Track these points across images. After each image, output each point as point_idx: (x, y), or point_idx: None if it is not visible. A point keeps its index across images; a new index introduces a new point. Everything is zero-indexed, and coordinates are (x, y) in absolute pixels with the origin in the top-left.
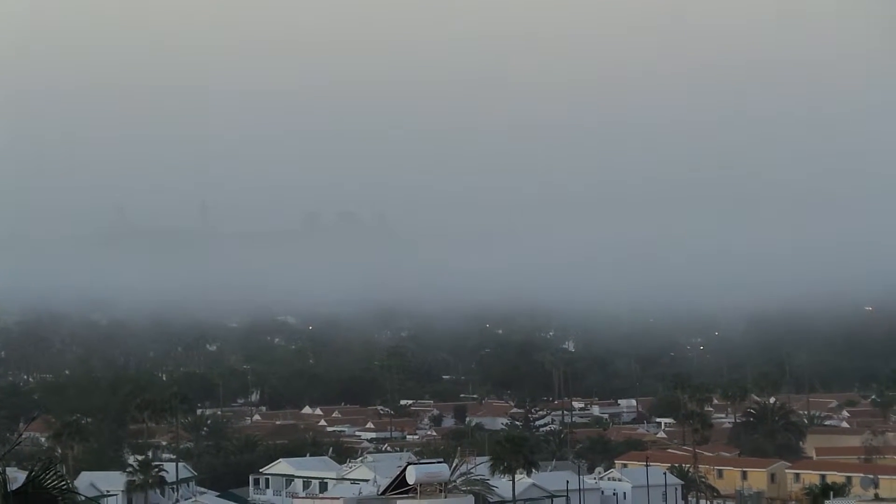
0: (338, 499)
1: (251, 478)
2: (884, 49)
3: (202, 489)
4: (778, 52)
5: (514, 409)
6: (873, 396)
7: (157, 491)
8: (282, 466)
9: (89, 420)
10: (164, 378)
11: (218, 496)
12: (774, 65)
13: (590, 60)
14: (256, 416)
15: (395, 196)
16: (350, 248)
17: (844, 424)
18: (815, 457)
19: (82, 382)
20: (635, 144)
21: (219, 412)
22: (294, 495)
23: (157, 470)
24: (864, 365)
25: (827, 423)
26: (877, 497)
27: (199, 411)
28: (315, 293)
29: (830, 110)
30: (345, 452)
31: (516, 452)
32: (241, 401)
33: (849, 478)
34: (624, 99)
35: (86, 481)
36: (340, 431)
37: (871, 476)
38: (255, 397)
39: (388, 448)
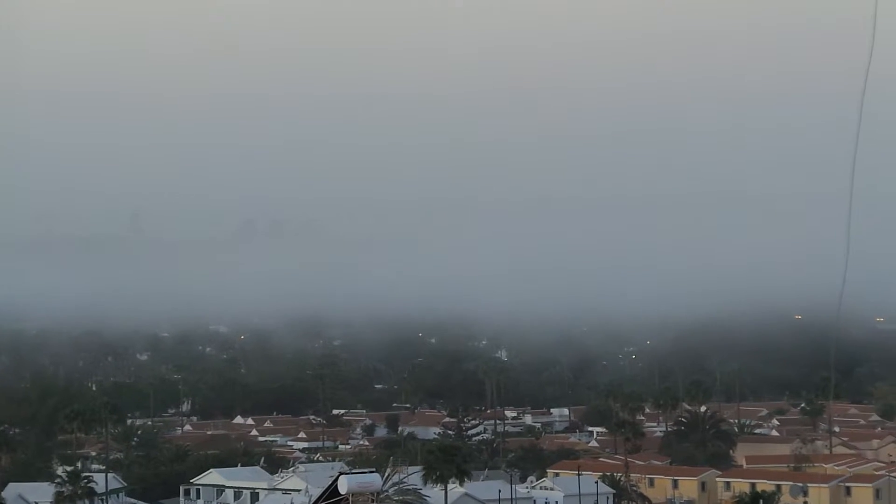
0: None
1: (182, 488)
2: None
3: (132, 500)
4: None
5: (447, 419)
6: (802, 405)
7: (87, 502)
8: (213, 477)
9: (17, 430)
10: (94, 388)
11: None
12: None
13: (502, 70)
14: (187, 427)
15: (329, 204)
16: (283, 257)
17: (774, 433)
18: (745, 465)
19: (9, 392)
20: (571, 153)
21: (149, 422)
22: None
23: (86, 481)
24: (794, 374)
25: (757, 431)
26: None
27: (129, 421)
28: (247, 302)
29: (757, 120)
30: (276, 462)
31: (448, 462)
32: (171, 411)
33: (778, 486)
34: (562, 106)
35: (13, 493)
36: (272, 441)
37: (801, 484)
38: (186, 407)
39: (320, 458)
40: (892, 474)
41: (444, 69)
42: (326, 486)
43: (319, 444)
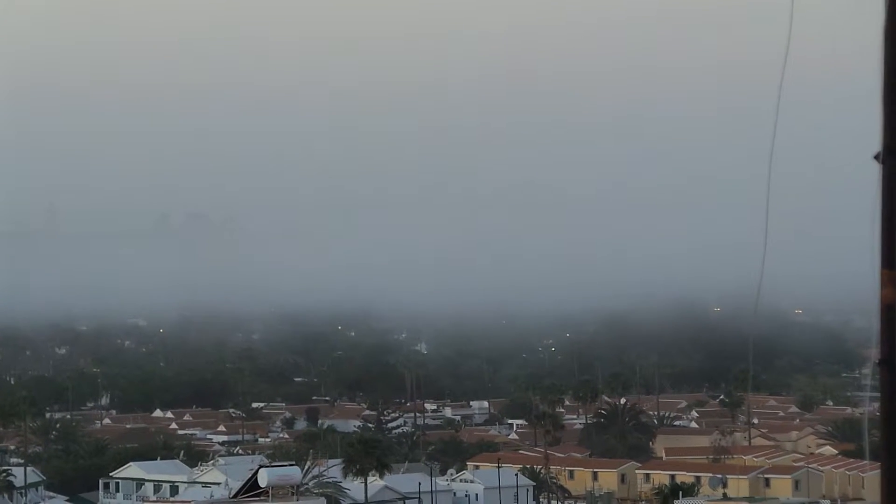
0: (189, 502)
1: (101, 482)
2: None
3: (51, 494)
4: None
5: (367, 412)
6: (721, 397)
7: (5, 496)
8: (132, 470)
9: None
10: (12, 382)
11: (67, 500)
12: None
13: (413, 67)
14: (106, 420)
15: (246, 198)
16: (200, 250)
17: (693, 425)
18: (664, 457)
19: None
20: (486, 146)
21: (68, 416)
22: (145, 499)
23: (4, 474)
24: (713, 366)
25: (676, 423)
26: (725, 496)
27: (47, 415)
28: (166, 296)
29: (680, 114)
30: (196, 455)
31: (368, 455)
32: (90, 404)
33: (698, 478)
34: (469, 99)
35: None
36: (192, 434)
37: (720, 476)
38: (105, 401)
39: (240, 451)
40: (810, 466)
41: (351, 60)
42: (246, 479)
43: (239, 437)
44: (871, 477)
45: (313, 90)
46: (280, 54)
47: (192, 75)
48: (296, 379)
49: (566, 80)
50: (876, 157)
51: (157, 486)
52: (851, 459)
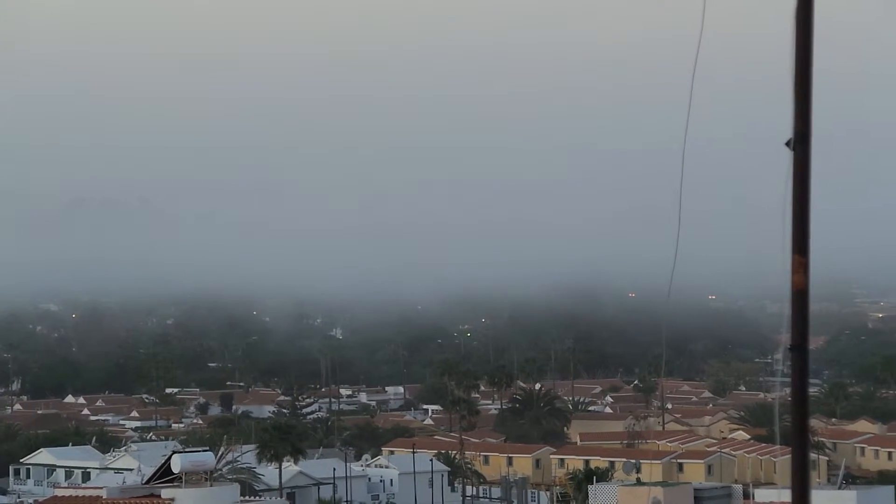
0: (101, 488)
1: (11, 468)
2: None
3: None
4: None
5: (282, 397)
6: (636, 382)
7: None
8: (43, 456)
9: None
10: None
11: None
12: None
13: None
14: (17, 406)
15: (161, 182)
16: (113, 235)
17: (608, 410)
18: (579, 442)
19: None
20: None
21: None
22: (56, 485)
23: None
24: (627, 351)
25: (591, 408)
26: (638, 481)
27: None
28: (78, 281)
29: (595, 95)
30: (109, 441)
31: (283, 440)
32: (1, 390)
33: (612, 462)
34: (362, 75)
35: None
36: (104, 420)
37: (633, 461)
38: (16, 386)
39: (153, 437)
40: (723, 450)
41: (261, 34)
42: (159, 465)
43: (152, 423)
44: (782, 461)
45: (226, 71)
46: (190, 28)
47: (101, 67)
48: (210, 364)
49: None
50: (787, 144)
51: (69, 473)
52: (763, 444)
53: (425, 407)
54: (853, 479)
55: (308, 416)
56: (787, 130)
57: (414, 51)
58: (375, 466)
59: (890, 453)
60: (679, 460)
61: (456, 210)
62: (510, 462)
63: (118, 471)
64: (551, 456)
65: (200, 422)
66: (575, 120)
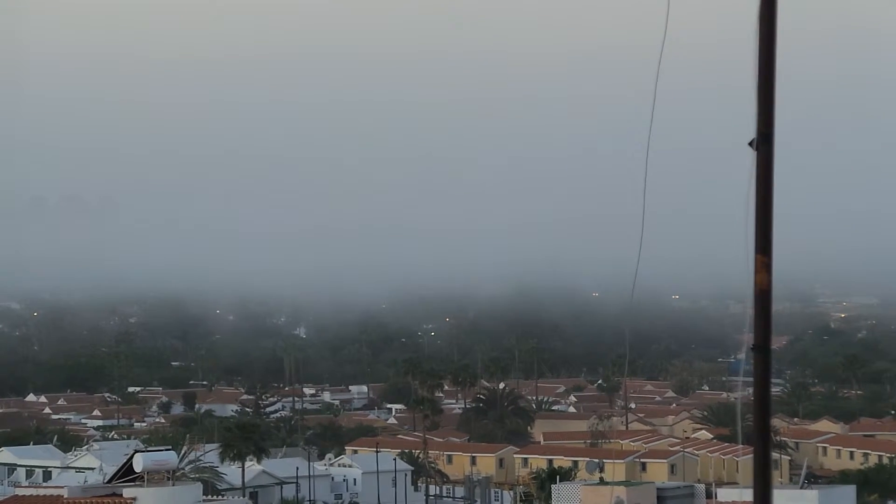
0: (62, 488)
1: None
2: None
3: None
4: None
5: (245, 396)
6: (599, 381)
7: None
8: (4, 455)
9: None
10: None
11: None
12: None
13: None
14: None
15: (122, 180)
16: (76, 233)
17: (571, 409)
18: (542, 442)
19: None
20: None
21: None
22: (17, 485)
23: None
24: (591, 350)
25: (554, 408)
26: (602, 481)
27: None
28: (40, 279)
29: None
30: (70, 440)
31: (246, 439)
32: None
33: (575, 462)
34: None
35: None
36: (66, 419)
37: (597, 460)
38: None
39: (115, 436)
40: (686, 450)
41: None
42: (121, 464)
43: (114, 421)
44: (744, 461)
45: (193, 70)
46: (160, 28)
47: (66, 64)
48: (173, 363)
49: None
50: (750, 144)
51: (30, 472)
52: (726, 443)
53: (389, 406)
54: (815, 478)
55: (271, 415)
56: (751, 131)
57: (369, 50)
58: (339, 466)
59: (852, 453)
60: (642, 460)
61: (422, 211)
62: (473, 461)
63: (80, 470)
64: (515, 455)
65: (163, 421)
66: (541, 120)
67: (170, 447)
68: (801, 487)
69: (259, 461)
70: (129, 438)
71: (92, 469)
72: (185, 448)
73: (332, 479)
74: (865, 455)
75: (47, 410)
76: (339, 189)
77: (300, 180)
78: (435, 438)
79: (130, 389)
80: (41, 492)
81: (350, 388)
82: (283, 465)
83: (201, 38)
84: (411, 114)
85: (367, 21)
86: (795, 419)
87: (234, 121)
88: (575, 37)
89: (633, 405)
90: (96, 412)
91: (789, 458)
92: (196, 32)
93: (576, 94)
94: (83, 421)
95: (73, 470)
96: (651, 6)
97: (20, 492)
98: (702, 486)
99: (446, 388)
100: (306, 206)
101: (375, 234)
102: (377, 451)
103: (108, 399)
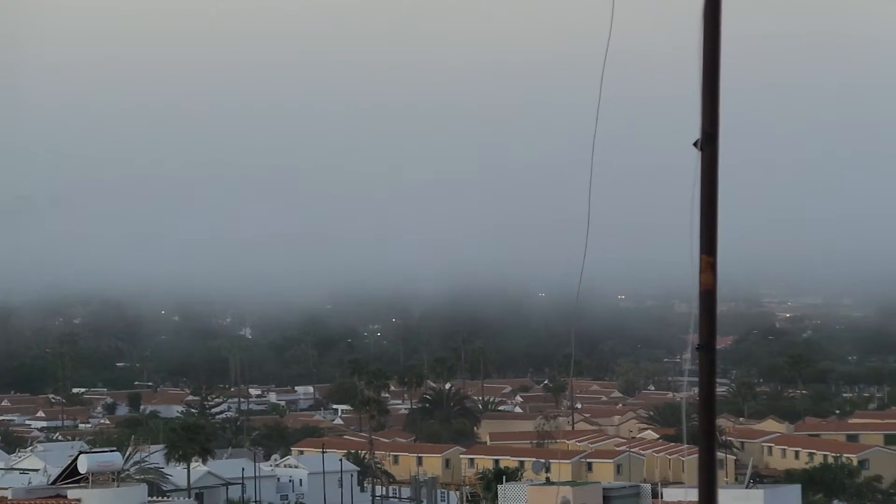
0: (6, 489)
1: None
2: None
3: None
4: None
5: (190, 397)
6: (545, 382)
7: None
8: None
9: None
10: None
11: None
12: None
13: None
14: None
15: (68, 180)
16: (24, 234)
17: (518, 409)
18: (488, 442)
19: None
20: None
21: None
22: None
23: None
24: (538, 351)
25: (501, 408)
26: (548, 481)
27: None
28: None
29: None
30: (14, 441)
31: (191, 440)
32: None
33: (521, 462)
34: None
35: None
36: (10, 420)
37: (543, 460)
38: None
39: (60, 437)
40: (632, 450)
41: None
42: (66, 465)
43: (59, 423)
44: (690, 460)
45: (136, 72)
46: (100, 29)
47: (12, 63)
48: (118, 364)
49: None
50: (695, 144)
51: None
52: (672, 443)
53: (335, 407)
54: (761, 478)
55: (217, 416)
56: (696, 131)
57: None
58: (284, 466)
59: (797, 452)
60: (588, 460)
61: (366, 213)
62: (420, 462)
63: (24, 471)
64: (461, 456)
65: (108, 422)
66: (486, 123)
67: (115, 448)
68: (747, 487)
69: (204, 462)
70: (73, 440)
71: (36, 470)
72: (130, 449)
73: (278, 479)
74: (810, 454)
75: None
76: (282, 193)
77: (244, 184)
78: (381, 439)
79: (75, 390)
80: None
81: (296, 388)
82: (228, 465)
83: (140, 40)
84: (352, 119)
85: (310, 26)
86: (741, 419)
87: (179, 125)
88: (517, 42)
89: (579, 405)
90: (41, 413)
91: (735, 457)
92: (133, 35)
93: (523, 97)
94: (27, 422)
95: (18, 471)
96: (596, 13)
97: None
98: (648, 486)
99: (392, 388)
100: (250, 209)
101: (319, 237)
102: (323, 452)
103: (53, 400)
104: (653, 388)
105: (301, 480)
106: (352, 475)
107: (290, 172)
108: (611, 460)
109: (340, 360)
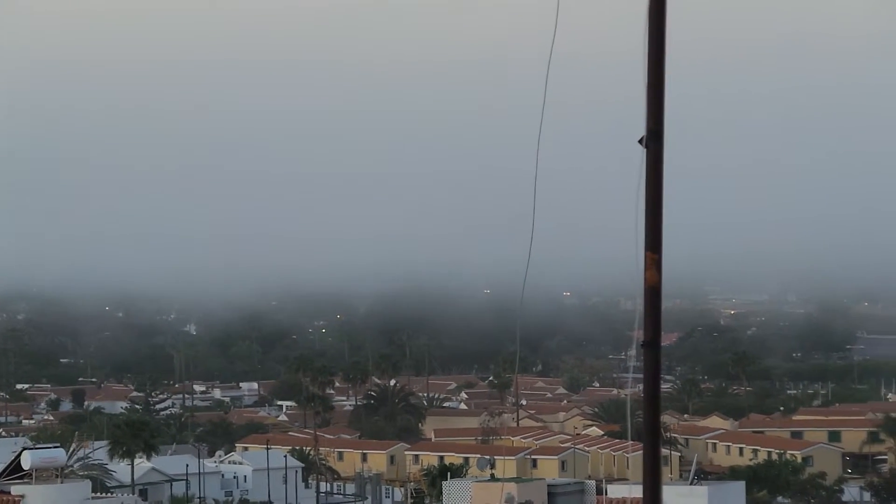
0: None
1: None
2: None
3: None
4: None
5: (134, 393)
6: (490, 378)
7: None
8: None
9: None
10: None
11: None
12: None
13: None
14: None
15: (10, 177)
16: None
17: (462, 406)
18: (433, 438)
19: None
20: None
21: None
22: None
23: None
24: (483, 348)
25: (446, 405)
26: (493, 477)
27: None
28: None
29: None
30: None
31: (136, 436)
32: None
33: (466, 458)
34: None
35: None
36: None
37: (488, 457)
38: None
39: (3, 433)
40: (577, 446)
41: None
42: (9, 461)
43: (2, 419)
44: (634, 457)
45: (84, 71)
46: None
47: None
48: (62, 360)
49: None
50: (640, 142)
51: None
52: (616, 440)
53: (280, 403)
54: (705, 474)
55: (161, 412)
56: (642, 128)
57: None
58: (229, 463)
59: (741, 449)
60: (533, 456)
61: (309, 211)
62: (364, 458)
63: None
64: (406, 452)
65: (51, 418)
66: (437, 121)
67: (58, 444)
68: (691, 483)
69: (149, 458)
70: (16, 436)
71: None
72: (73, 445)
73: (223, 476)
74: (755, 451)
75: None
76: (224, 190)
77: (189, 182)
78: (326, 435)
79: (19, 386)
80: None
81: (240, 385)
82: (172, 462)
83: (93, 39)
84: (293, 121)
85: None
86: (685, 415)
87: (125, 124)
88: (449, 43)
89: (523, 402)
90: None
91: (679, 454)
92: (83, 34)
93: (467, 93)
94: None
95: None
96: (541, 14)
97: None
98: (592, 483)
99: (337, 384)
100: (194, 207)
101: (264, 234)
102: (268, 448)
103: None
104: (597, 384)
105: (245, 477)
106: (296, 471)
107: (233, 171)
108: (555, 457)
109: (285, 357)
